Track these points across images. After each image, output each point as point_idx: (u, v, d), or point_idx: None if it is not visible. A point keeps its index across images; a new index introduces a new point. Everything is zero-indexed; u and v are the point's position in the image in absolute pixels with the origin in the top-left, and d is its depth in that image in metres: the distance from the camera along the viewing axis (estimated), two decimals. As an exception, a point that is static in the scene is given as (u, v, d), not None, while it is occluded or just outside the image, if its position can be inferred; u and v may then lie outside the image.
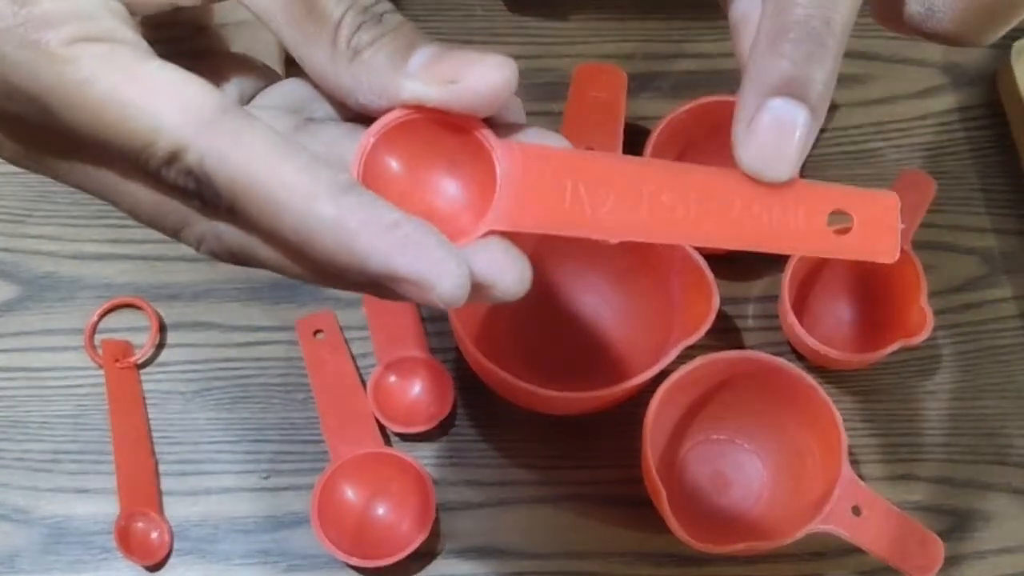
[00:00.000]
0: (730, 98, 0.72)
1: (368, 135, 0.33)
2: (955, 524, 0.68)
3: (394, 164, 0.34)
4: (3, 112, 0.34)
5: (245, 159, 0.32)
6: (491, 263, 0.33)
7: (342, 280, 0.33)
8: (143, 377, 0.70)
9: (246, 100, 0.38)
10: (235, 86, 0.37)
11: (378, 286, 0.32)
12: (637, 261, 0.69)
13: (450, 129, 0.34)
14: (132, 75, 0.32)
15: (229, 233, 0.34)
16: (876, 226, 0.35)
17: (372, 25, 0.33)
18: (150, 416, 0.69)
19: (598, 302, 0.71)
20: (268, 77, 0.38)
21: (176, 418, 0.69)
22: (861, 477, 0.62)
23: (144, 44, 0.33)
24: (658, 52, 0.79)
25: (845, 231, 0.35)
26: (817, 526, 0.61)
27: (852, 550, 0.62)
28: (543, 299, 0.72)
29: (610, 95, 0.72)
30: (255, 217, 0.32)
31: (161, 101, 0.32)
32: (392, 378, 0.69)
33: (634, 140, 0.71)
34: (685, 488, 0.67)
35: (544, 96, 0.77)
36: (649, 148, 0.70)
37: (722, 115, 0.71)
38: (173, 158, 0.32)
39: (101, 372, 0.69)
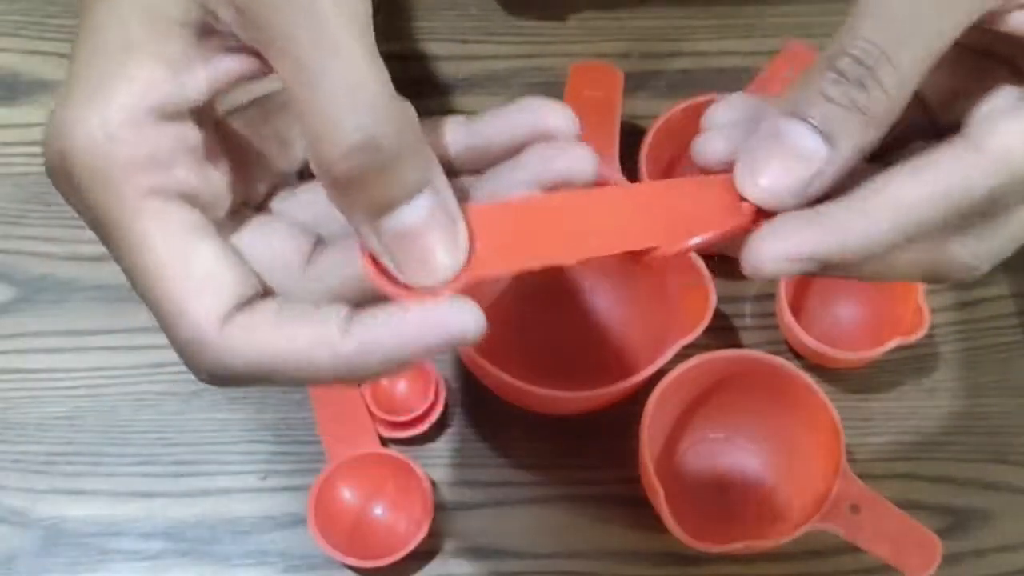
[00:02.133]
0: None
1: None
2: (953, 523, 0.68)
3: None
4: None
5: (266, 349, 0.34)
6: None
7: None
8: (139, 379, 0.70)
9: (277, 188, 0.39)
10: (261, 180, 0.39)
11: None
12: (634, 261, 0.69)
13: None
14: (178, 255, 0.34)
15: None
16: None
17: (367, 155, 0.33)
18: (145, 417, 0.69)
19: (595, 301, 0.71)
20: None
21: (173, 419, 0.69)
22: (859, 476, 0.62)
23: (209, 188, 0.36)
24: (654, 51, 0.79)
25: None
26: (815, 525, 0.61)
27: (850, 549, 0.62)
28: (540, 299, 0.71)
29: (606, 94, 0.71)
30: (284, 383, 0.35)
31: (191, 295, 0.34)
32: (384, 378, 0.69)
33: (630, 139, 0.71)
34: (683, 487, 0.67)
35: (540, 95, 0.77)
36: (645, 147, 0.70)
37: (718, 113, 0.71)
38: (190, 348, 0.35)
39: (96, 373, 0.70)
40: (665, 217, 0.38)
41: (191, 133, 0.35)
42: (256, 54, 0.35)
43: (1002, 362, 0.72)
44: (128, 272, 0.35)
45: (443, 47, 0.79)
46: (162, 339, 0.73)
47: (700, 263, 0.65)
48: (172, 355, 0.71)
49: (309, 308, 0.34)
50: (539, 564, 0.66)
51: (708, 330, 0.63)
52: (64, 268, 0.72)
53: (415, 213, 0.34)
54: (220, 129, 0.38)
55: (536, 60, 0.78)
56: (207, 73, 0.35)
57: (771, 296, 0.71)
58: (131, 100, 0.34)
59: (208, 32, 0.34)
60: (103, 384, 0.70)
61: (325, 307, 0.34)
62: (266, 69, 0.35)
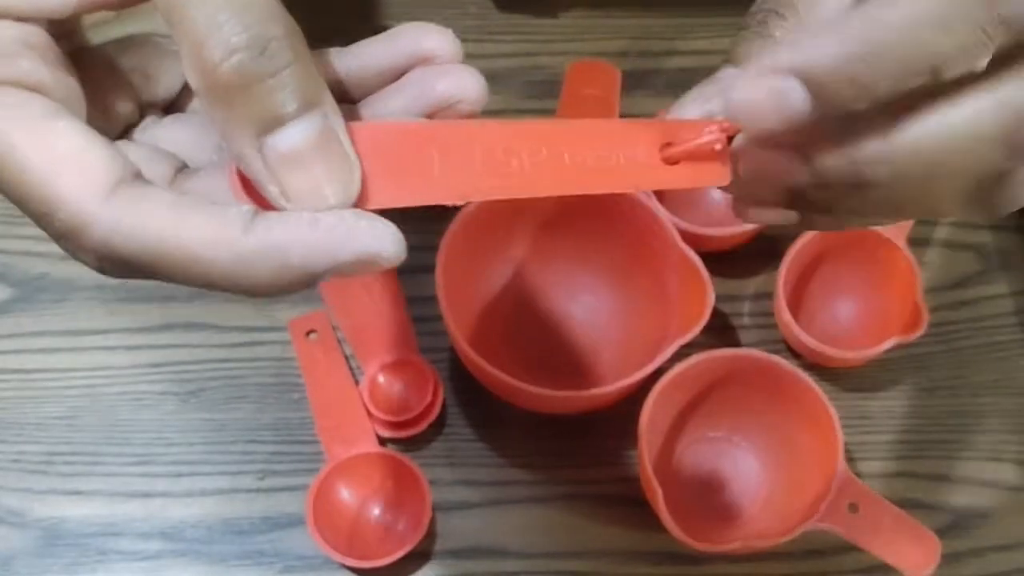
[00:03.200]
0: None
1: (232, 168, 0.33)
2: (952, 521, 0.68)
3: None
4: None
5: (154, 230, 0.31)
6: (373, 236, 0.32)
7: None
8: (137, 379, 0.70)
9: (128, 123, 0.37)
10: (121, 109, 0.37)
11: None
12: (632, 259, 0.69)
13: None
14: (38, 137, 0.31)
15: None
16: (705, 153, 0.36)
17: (252, 57, 0.30)
18: (143, 417, 0.69)
19: (593, 301, 0.71)
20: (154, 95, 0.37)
21: (170, 419, 0.69)
22: (858, 475, 0.62)
23: (60, 85, 0.33)
24: (652, 49, 0.79)
25: (675, 161, 0.37)
26: (814, 524, 0.61)
27: (849, 548, 0.62)
28: (537, 299, 0.71)
29: (604, 92, 0.71)
30: (178, 277, 0.31)
31: (60, 171, 0.31)
32: (381, 378, 0.68)
33: (628, 138, 0.70)
34: (681, 487, 0.67)
35: (537, 94, 0.77)
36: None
37: (716, 112, 0.71)
38: (72, 234, 0.31)
39: (94, 373, 0.70)
40: (593, 159, 0.36)
41: (38, 35, 0.33)
42: None
43: (1000, 361, 0.72)
44: None
45: (441, 46, 0.79)
46: (161, 339, 0.73)
47: (698, 262, 0.65)
48: (171, 355, 0.71)
49: (203, 200, 0.31)
50: (537, 564, 0.66)
51: (706, 329, 0.63)
52: (62, 268, 0.72)
53: (304, 132, 0.31)
54: (79, 56, 0.35)
55: (534, 59, 0.78)
56: None
57: (769, 295, 0.71)
58: None
59: None
60: (101, 384, 0.70)
61: (230, 206, 0.31)
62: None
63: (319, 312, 0.70)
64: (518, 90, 0.77)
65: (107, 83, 0.36)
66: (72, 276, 0.72)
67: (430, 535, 0.65)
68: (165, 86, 0.37)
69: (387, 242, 0.31)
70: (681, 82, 0.77)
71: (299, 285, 0.31)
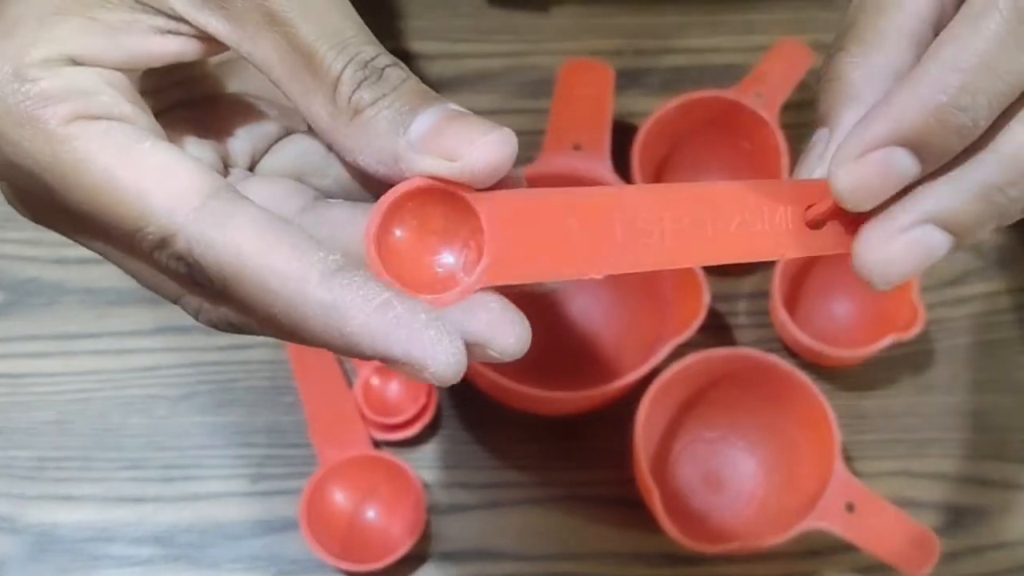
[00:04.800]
0: (718, 93, 0.71)
1: (377, 210, 0.32)
2: (950, 520, 0.67)
3: (399, 234, 0.33)
4: (10, 183, 0.34)
5: (234, 245, 0.31)
6: (489, 324, 0.33)
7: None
8: (128, 383, 0.69)
9: (259, 154, 0.37)
10: (244, 139, 0.37)
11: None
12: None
13: (437, 193, 0.33)
14: (125, 157, 0.31)
15: (224, 309, 0.33)
16: (849, 216, 0.34)
17: (373, 83, 0.32)
18: (135, 421, 0.68)
19: (588, 301, 0.71)
20: (284, 119, 0.37)
21: (163, 423, 0.69)
22: (855, 474, 0.62)
23: (144, 118, 0.33)
24: (645, 48, 0.79)
25: (820, 224, 0.35)
26: (811, 524, 0.61)
27: (847, 548, 0.62)
28: (532, 298, 0.71)
29: (597, 92, 0.71)
30: (246, 301, 0.32)
31: (151, 186, 0.31)
32: (376, 381, 0.68)
33: (622, 137, 0.70)
34: (678, 487, 0.67)
35: (531, 93, 0.77)
36: (637, 145, 0.70)
37: (710, 110, 0.71)
38: (163, 243, 0.32)
39: (84, 378, 0.69)
40: (722, 229, 0.34)
41: (119, 79, 0.33)
42: (203, 39, 0.33)
43: (998, 358, 0.71)
44: (78, 207, 0.32)
45: (434, 46, 0.78)
46: (152, 342, 0.72)
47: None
48: (162, 358, 0.71)
49: (298, 232, 0.31)
50: (533, 566, 0.66)
51: (702, 329, 0.63)
52: (52, 272, 0.72)
53: (437, 114, 0.32)
54: (198, 104, 0.36)
55: (527, 58, 0.78)
56: (140, 43, 0.33)
57: (765, 294, 0.71)
58: (48, 48, 0.32)
59: (148, 10, 0.33)
60: (92, 388, 0.69)
61: (317, 245, 0.31)
62: (208, 52, 0.34)
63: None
64: (511, 90, 0.77)
65: (223, 119, 0.37)
66: (62, 280, 0.71)
67: (425, 538, 0.65)
68: (246, 150, 0.38)
69: (440, 357, 0.31)
70: (675, 81, 0.77)
71: (346, 353, 0.31)
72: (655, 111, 0.71)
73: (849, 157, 0.33)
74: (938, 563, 0.61)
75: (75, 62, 0.32)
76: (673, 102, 0.71)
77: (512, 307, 0.33)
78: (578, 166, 0.68)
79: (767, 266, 0.70)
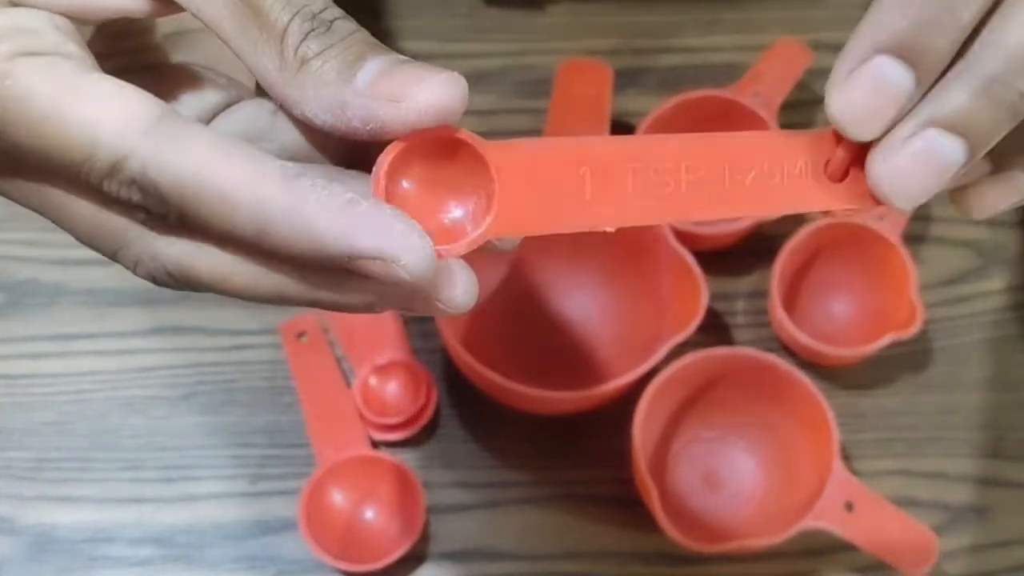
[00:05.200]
0: (716, 93, 0.71)
1: (384, 159, 0.32)
2: (949, 518, 0.67)
3: (407, 185, 0.32)
4: None
5: (191, 160, 0.30)
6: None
7: (297, 278, 0.32)
8: (127, 383, 0.69)
9: (207, 119, 0.36)
10: (194, 102, 0.36)
11: (339, 282, 0.32)
12: (625, 258, 0.69)
13: (445, 144, 0.33)
14: (71, 88, 0.31)
15: (166, 251, 0.33)
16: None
17: (320, 33, 0.32)
18: (133, 421, 0.68)
19: (586, 300, 0.71)
20: (231, 89, 0.37)
21: (161, 423, 0.69)
22: (854, 473, 0.62)
23: (88, 58, 0.32)
24: (643, 47, 0.78)
25: (842, 176, 0.33)
26: (809, 523, 0.61)
27: (845, 547, 0.62)
28: (530, 298, 0.71)
29: (595, 91, 0.71)
30: (206, 218, 0.31)
31: (100, 112, 0.31)
32: (374, 380, 0.68)
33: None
34: (676, 487, 0.67)
35: (529, 93, 0.76)
36: (635, 144, 0.70)
37: (709, 109, 0.71)
38: (114, 169, 0.31)
39: (83, 378, 0.69)
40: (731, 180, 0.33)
41: (64, 22, 0.33)
42: None
43: (997, 357, 0.71)
44: (19, 143, 0.32)
45: (431, 45, 0.78)
46: (151, 343, 0.72)
47: (692, 261, 0.64)
48: (161, 359, 0.71)
49: (251, 146, 0.31)
50: (532, 565, 0.66)
51: (700, 328, 0.63)
52: (51, 272, 0.71)
53: (385, 59, 0.31)
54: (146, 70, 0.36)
55: (525, 58, 0.78)
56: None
57: (763, 293, 0.71)
58: None
59: None
60: (91, 389, 0.69)
61: (272, 158, 0.31)
62: (157, 11, 0.34)
63: (310, 314, 0.70)
64: (509, 89, 0.77)
65: (182, 76, 0.36)
66: (61, 280, 0.71)
67: (424, 538, 0.65)
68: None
69: (410, 250, 0.30)
70: (673, 80, 0.77)
71: (313, 258, 0.31)
72: (653, 110, 0.71)
73: (839, 79, 0.32)
74: (937, 562, 0.61)
75: (18, 3, 0.32)
76: (671, 101, 0.71)
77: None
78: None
79: (765, 265, 0.70)
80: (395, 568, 0.63)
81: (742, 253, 0.72)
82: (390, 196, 0.32)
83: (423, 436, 0.68)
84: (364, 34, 0.33)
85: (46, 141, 0.31)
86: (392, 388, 0.68)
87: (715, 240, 0.70)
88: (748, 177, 0.33)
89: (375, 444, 0.67)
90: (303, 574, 0.65)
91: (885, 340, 0.66)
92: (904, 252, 0.68)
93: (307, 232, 0.30)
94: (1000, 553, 0.67)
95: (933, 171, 0.31)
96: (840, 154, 0.33)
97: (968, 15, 0.31)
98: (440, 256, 0.31)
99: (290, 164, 0.31)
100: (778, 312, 0.67)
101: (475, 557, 0.66)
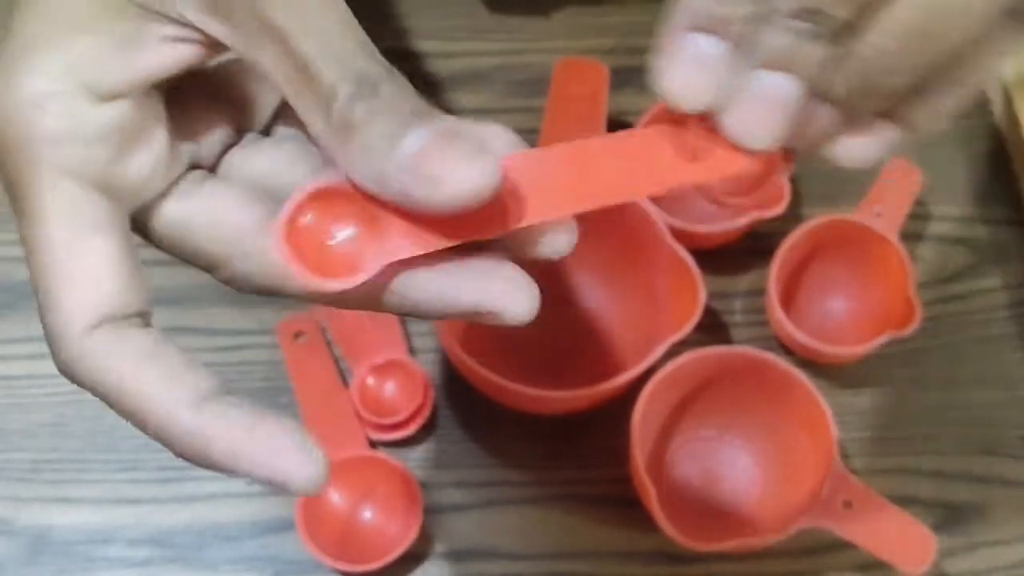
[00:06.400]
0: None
1: (288, 205, 0.33)
2: (947, 517, 0.67)
3: (309, 219, 0.33)
4: None
5: (113, 372, 0.33)
6: (503, 291, 0.34)
7: None
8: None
9: (212, 156, 0.37)
10: (219, 136, 0.37)
11: None
12: (622, 257, 0.69)
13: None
14: (71, 240, 0.33)
15: None
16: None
17: (366, 98, 0.31)
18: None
19: (583, 300, 0.71)
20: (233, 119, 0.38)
21: (159, 424, 0.68)
22: (852, 471, 0.62)
23: (121, 186, 0.34)
24: (640, 46, 0.78)
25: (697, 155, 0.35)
26: (808, 521, 0.61)
27: (844, 546, 0.62)
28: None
29: (592, 90, 0.71)
30: (121, 413, 0.34)
31: (68, 285, 0.33)
32: (371, 380, 0.68)
33: (617, 135, 0.70)
34: (675, 486, 0.67)
35: (525, 92, 0.76)
36: (632, 143, 0.70)
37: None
38: (49, 340, 0.33)
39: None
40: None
41: (125, 112, 0.34)
42: (209, 44, 0.34)
43: (994, 355, 0.71)
44: (23, 238, 0.35)
45: (428, 45, 0.78)
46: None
47: (689, 260, 0.64)
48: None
49: (179, 365, 0.34)
50: (530, 565, 0.66)
51: (698, 327, 0.63)
52: (47, 273, 0.71)
53: (427, 135, 0.31)
54: (170, 95, 0.36)
55: (521, 57, 0.78)
56: (153, 57, 0.34)
57: (761, 292, 0.71)
58: (66, 73, 0.33)
59: (159, 18, 0.33)
60: (88, 390, 0.69)
61: (193, 374, 0.34)
62: (210, 57, 0.34)
63: (307, 315, 0.70)
64: (505, 88, 0.77)
65: (205, 110, 0.37)
66: (57, 281, 0.71)
67: (422, 538, 0.65)
68: (262, 114, 0.38)
69: (299, 476, 0.33)
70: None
71: (221, 470, 0.34)
72: (649, 109, 0.71)
73: (663, 64, 0.34)
74: (935, 560, 0.61)
75: (90, 90, 0.33)
76: (668, 100, 0.71)
77: (523, 274, 0.35)
78: (573, 165, 0.68)
79: (763, 264, 0.70)
80: (393, 568, 0.63)
81: (740, 252, 0.72)
82: (292, 235, 0.32)
83: (421, 436, 0.68)
84: (410, 96, 0.32)
85: (28, 258, 0.35)
86: (390, 388, 0.68)
87: (713, 239, 0.70)
88: (609, 173, 0.36)
89: (373, 444, 0.67)
90: (301, 574, 0.65)
91: (883, 338, 0.66)
92: (902, 250, 0.68)
93: (204, 455, 0.33)
94: (998, 551, 0.67)
95: (775, 108, 0.33)
96: (696, 132, 0.35)
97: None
98: (343, 289, 0.33)
99: (206, 384, 0.34)
100: (776, 311, 0.67)
101: (473, 557, 0.66)
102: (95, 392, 0.34)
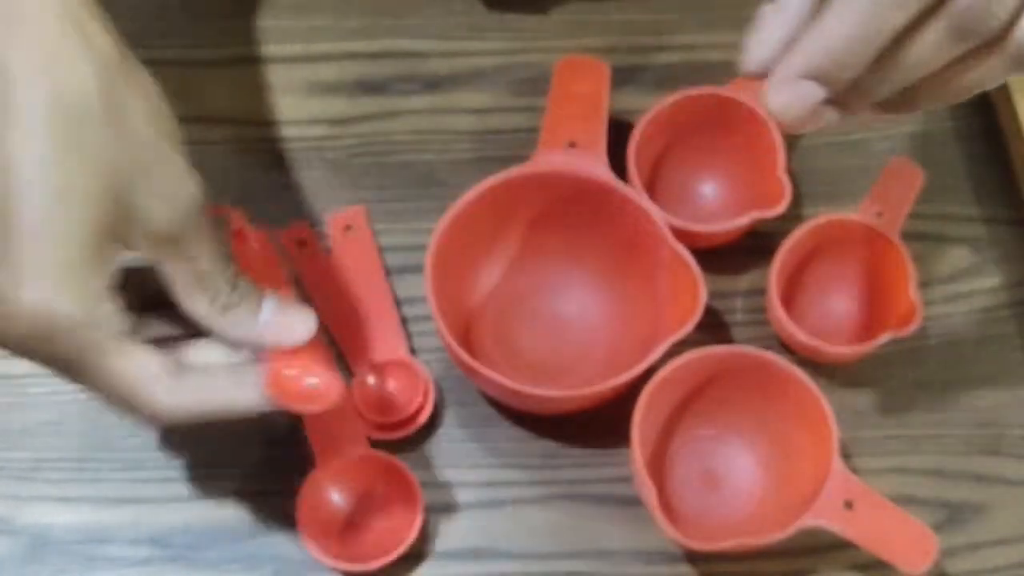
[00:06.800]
0: (714, 90, 0.71)
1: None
2: (948, 516, 0.67)
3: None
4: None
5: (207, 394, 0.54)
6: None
7: None
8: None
9: None
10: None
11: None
12: (623, 257, 0.69)
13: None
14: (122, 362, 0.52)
15: None
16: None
17: (233, 291, 0.54)
18: (131, 422, 0.68)
19: (584, 299, 0.71)
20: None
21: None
22: (853, 471, 0.62)
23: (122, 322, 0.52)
24: (641, 45, 0.78)
25: None
26: (809, 521, 0.60)
27: (845, 545, 0.61)
28: (528, 297, 0.71)
29: (593, 89, 0.71)
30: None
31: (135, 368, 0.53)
32: (371, 380, 0.68)
33: (618, 134, 0.70)
34: (675, 485, 0.67)
35: (526, 91, 0.76)
36: (633, 142, 0.70)
37: (707, 108, 0.71)
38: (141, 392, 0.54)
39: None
40: None
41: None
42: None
43: (995, 354, 0.71)
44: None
45: (427, 44, 0.78)
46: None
47: (690, 259, 0.64)
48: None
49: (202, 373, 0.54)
50: (531, 564, 0.66)
51: (699, 326, 0.63)
52: (47, 272, 0.71)
53: (272, 305, 0.56)
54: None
55: (522, 56, 0.78)
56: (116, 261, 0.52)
57: (762, 291, 0.71)
58: (100, 286, 0.50)
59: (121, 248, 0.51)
60: (88, 389, 0.69)
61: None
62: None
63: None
64: (505, 87, 0.77)
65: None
66: (57, 280, 0.71)
67: (422, 537, 0.65)
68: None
69: (247, 398, 0.55)
70: (671, 78, 0.76)
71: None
72: (651, 108, 0.70)
73: (777, 89, 0.47)
74: (936, 560, 0.61)
75: (108, 288, 0.51)
76: (669, 99, 0.71)
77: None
78: (574, 164, 0.68)
79: (764, 263, 0.69)
80: (393, 567, 0.63)
81: (740, 251, 0.72)
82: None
83: (421, 436, 0.68)
84: (254, 287, 0.55)
85: (96, 381, 0.54)
86: (390, 387, 0.68)
87: (713, 238, 0.70)
88: None
89: (373, 443, 0.67)
90: (301, 574, 0.65)
91: (884, 338, 0.66)
92: (903, 249, 0.68)
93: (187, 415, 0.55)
94: (999, 551, 0.67)
95: (796, 101, 0.46)
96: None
97: (873, 54, 0.44)
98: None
99: (172, 372, 0.54)
100: (777, 310, 0.67)
101: (473, 556, 0.66)
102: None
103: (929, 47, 0.44)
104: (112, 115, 0.47)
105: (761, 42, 0.48)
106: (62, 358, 0.50)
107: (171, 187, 0.50)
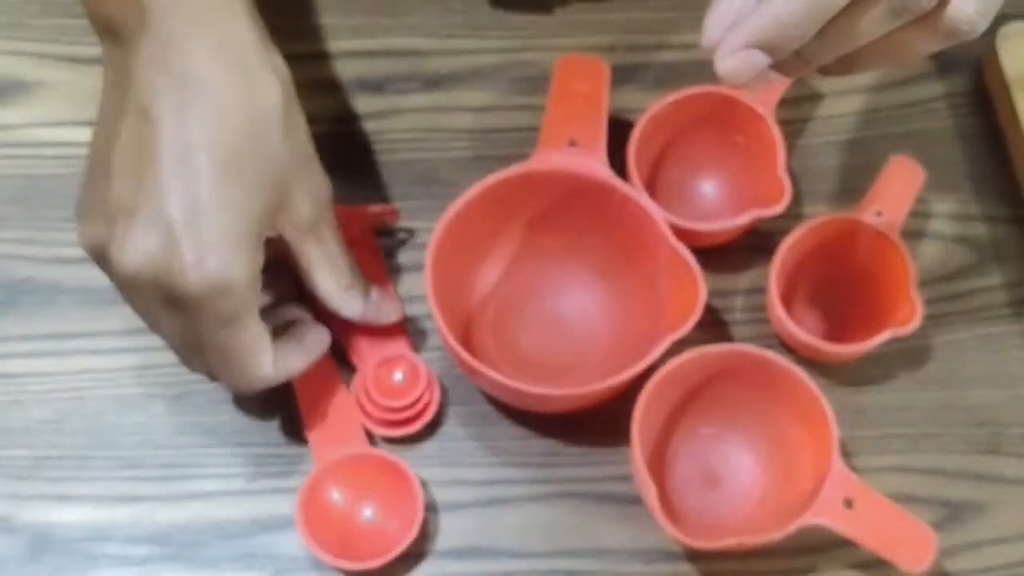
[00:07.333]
0: (714, 89, 0.71)
1: None
2: (948, 515, 0.67)
3: None
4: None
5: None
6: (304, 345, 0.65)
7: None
8: (124, 381, 0.69)
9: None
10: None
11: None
12: (623, 256, 0.69)
13: None
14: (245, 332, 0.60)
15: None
16: None
17: (354, 275, 0.65)
18: (131, 420, 0.68)
19: (584, 298, 0.71)
20: None
21: (158, 421, 0.68)
22: (853, 469, 0.62)
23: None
24: (641, 43, 0.78)
25: None
26: (809, 519, 0.60)
27: (845, 544, 0.62)
28: (528, 296, 0.71)
29: (593, 87, 0.71)
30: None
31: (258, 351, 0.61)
32: (377, 374, 0.68)
33: (618, 133, 0.70)
34: (675, 484, 0.67)
35: (526, 90, 0.76)
36: (633, 141, 0.70)
37: (707, 106, 0.71)
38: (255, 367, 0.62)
39: (80, 377, 0.69)
40: None
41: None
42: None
43: (995, 353, 0.71)
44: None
45: (427, 42, 0.78)
46: (148, 341, 0.72)
47: (690, 257, 0.64)
48: (158, 357, 0.71)
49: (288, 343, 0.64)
50: (531, 563, 0.66)
51: (699, 325, 0.63)
52: (47, 271, 0.71)
53: (373, 291, 0.67)
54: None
55: (522, 55, 0.78)
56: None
57: (762, 290, 0.71)
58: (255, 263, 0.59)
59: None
60: (88, 387, 0.69)
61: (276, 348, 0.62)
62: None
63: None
64: (505, 86, 0.77)
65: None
66: (58, 279, 0.71)
67: (422, 535, 0.65)
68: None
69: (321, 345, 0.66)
70: (670, 77, 0.76)
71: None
72: (650, 107, 0.70)
73: (727, 55, 0.51)
74: (936, 559, 0.61)
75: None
76: (669, 98, 0.71)
77: (309, 322, 0.66)
78: (574, 163, 0.68)
79: (764, 262, 0.69)
80: (393, 566, 0.63)
81: (740, 250, 0.72)
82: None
83: (421, 434, 0.68)
84: (361, 276, 0.66)
85: (226, 339, 0.60)
86: (392, 386, 0.67)
87: (713, 237, 0.70)
88: None
89: (373, 441, 0.67)
90: (301, 572, 0.65)
91: (884, 336, 0.66)
92: (903, 248, 0.68)
93: (289, 373, 0.64)
94: (999, 550, 0.67)
95: (743, 65, 0.51)
96: None
97: (817, 28, 0.49)
98: None
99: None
100: (777, 309, 0.67)
101: (474, 555, 0.66)
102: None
103: (868, 22, 0.49)
104: (287, 127, 0.58)
105: (716, 19, 0.52)
106: (219, 316, 0.57)
107: (314, 184, 0.61)
